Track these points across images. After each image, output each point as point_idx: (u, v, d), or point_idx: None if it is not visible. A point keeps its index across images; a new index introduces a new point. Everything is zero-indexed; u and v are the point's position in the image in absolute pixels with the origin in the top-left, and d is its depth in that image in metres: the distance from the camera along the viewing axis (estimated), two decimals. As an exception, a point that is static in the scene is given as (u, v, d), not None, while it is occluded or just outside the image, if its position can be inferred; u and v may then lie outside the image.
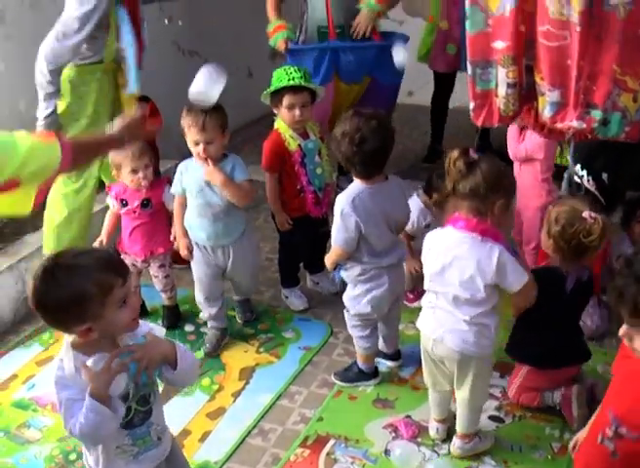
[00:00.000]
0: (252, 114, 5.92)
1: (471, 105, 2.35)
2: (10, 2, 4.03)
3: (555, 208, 2.55)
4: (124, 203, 3.16)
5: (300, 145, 3.26)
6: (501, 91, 2.22)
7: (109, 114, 3.39)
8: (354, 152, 2.54)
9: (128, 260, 3.16)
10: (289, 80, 3.21)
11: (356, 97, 4.14)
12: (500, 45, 2.13)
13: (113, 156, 3.12)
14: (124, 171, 3.12)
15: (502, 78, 2.18)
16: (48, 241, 3.53)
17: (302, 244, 3.49)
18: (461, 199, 2.22)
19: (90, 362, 1.72)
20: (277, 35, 3.99)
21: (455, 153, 2.21)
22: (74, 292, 1.67)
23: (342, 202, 2.64)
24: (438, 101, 5.18)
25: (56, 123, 3.27)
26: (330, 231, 3.46)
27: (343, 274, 2.85)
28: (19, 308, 3.55)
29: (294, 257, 3.59)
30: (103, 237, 3.30)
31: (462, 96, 5.03)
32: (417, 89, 6.17)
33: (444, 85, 5.08)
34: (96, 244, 3.32)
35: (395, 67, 3.98)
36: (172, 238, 3.17)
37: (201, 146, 2.88)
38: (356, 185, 2.66)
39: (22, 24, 4.10)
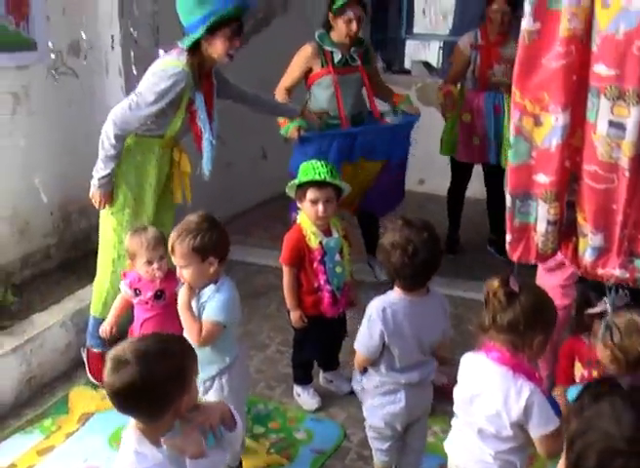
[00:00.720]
0: (264, 195, 5.95)
1: (508, 238, 2.27)
2: (33, 79, 4.06)
3: (612, 318, 2.45)
4: (137, 292, 3.11)
5: (321, 242, 3.22)
6: (541, 227, 2.16)
7: (160, 187, 3.54)
8: (405, 264, 2.47)
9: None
10: (315, 175, 3.21)
11: (368, 177, 4.27)
12: (542, 179, 2.08)
13: (129, 245, 3.10)
14: (139, 261, 3.09)
15: (543, 214, 2.12)
16: (96, 304, 3.57)
17: (317, 342, 3.42)
18: (498, 332, 2.16)
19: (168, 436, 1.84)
20: (288, 124, 4.09)
21: (495, 283, 2.16)
22: (177, 363, 1.84)
23: (373, 307, 2.59)
24: (456, 191, 5.20)
25: (109, 185, 3.39)
26: (345, 330, 3.46)
27: (363, 381, 2.78)
28: (22, 390, 3.47)
29: (308, 355, 3.51)
30: (112, 323, 3.25)
31: (477, 185, 5.16)
32: (427, 177, 6.24)
33: (463, 175, 5.10)
34: (104, 329, 3.26)
35: (404, 145, 4.26)
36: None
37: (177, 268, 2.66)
38: (394, 294, 2.60)
39: (45, 100, 4.13)
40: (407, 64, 6.73)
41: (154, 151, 3.45)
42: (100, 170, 3.35)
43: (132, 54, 4.44)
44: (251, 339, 4.03)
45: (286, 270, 3.29)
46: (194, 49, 3.27)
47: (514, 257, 2.31)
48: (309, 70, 4.23)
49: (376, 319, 2.55)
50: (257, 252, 5.15)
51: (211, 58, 3.32)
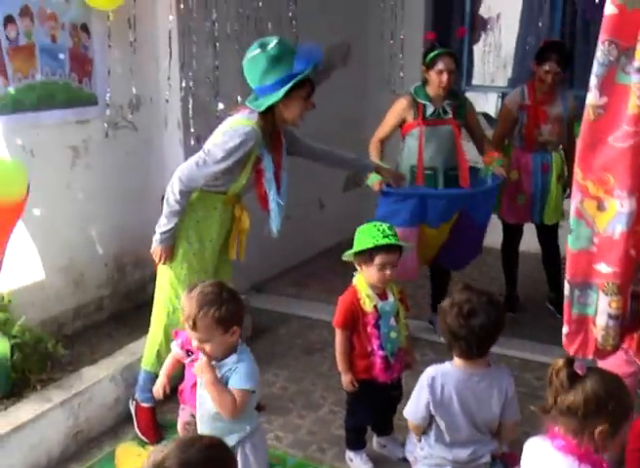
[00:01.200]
0: (320, 246, 5.89)
1: (565, 330, 2.09)
2: (93, 133, 4.12)
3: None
4: (189, 353, 3.02)
5: (375, 306, 3.10)
6: (601, 321, 1.99)
7: (220, 243, 3.53)
8: (460, 325, 2.37)
9: (186, 411, 3.01)
10: (384, 237, 3.05)
11: (443, 235, 4.21)
12: (604, 269, 1.93)
13: (183, 303, 3.04)
14: None
15: (604, 307, 1.95)
16: (149, 358, 3.54)
17: (370, 406, 3.30)
18: (560, 414, 2.01)
19: None
20: (374, 176, 4.04)
21: (559, 363, 2.01)
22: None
23: (426, 374, 2.49)
24: (508, 250, 5.04)
25: (171, 240, 3.38)
26: (401, 393, 3.32)
27: (416, 449, 2.64)
28: (68, 445, 3.43)
29: (360, 420, 3.38)
30: (164, 383, 3.16)
31: (531, 238, 5.02)
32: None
33: (513, 234, 4.96)
34: (156, 390, 3.19)
35: (488, 205, 4.21)
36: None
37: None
38: (450, 364, 2.48)
39: (104, 154, 4.19)
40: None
41: (217, 207, 3.43)
42: (163, 225, 3.34)
43: (191, 107, 4.48)
44: (304, 398, 3.93)
45: (338, 333, 3.18)
46: (267, 111, 3.23)
47: (571, 351, 2.16)
48: (404, 121, 4.32)
49: (424, 386, 2.46)
50: (311, 305, 5.07)
51: (283, 120, 3.30)
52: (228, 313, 2.45)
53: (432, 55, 4.16)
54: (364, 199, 6.36)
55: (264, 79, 3.18)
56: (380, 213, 4.03)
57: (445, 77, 4.13)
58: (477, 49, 6.78)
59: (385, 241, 3.02)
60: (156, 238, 3.38)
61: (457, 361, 2.46)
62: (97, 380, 3.57)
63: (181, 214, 3.33)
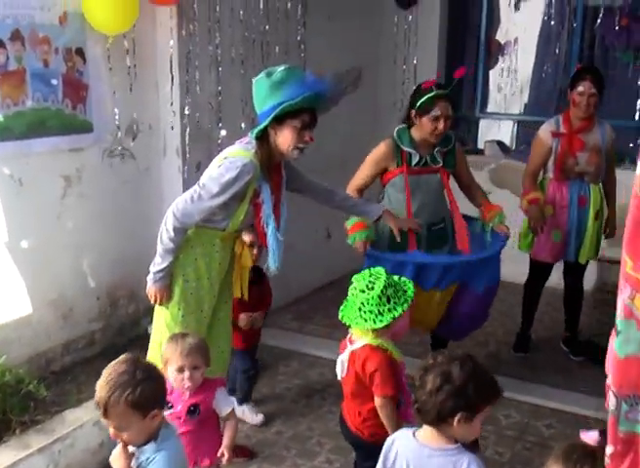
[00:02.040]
0: (325, 278, 5.69)
1: (609, 450, 1.77)
2: (88, 161, 3.96)
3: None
4: (169, 406, 2.81)
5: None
6: None
7: (220, 281, 3.30)
8: (418, 385, 2.13)
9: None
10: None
11: (441, 303, 3.73)
12: None
13: (164, 350, 2.83)
14: (170, 367, 2.75)
15: None
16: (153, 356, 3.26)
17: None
18: None
19: None
20: (355, 234, 3.68)
21: None
22: None
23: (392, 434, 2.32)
24: (533, 288, 4.73)
25: (166, 279, 3.16)
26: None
27: None
28: (47, 495, 3.23)
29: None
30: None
31: (554, 274, 4.79)
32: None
33: (542, 273, 4.64)
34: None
35: (492, 271, 3.68)
36: (219, 452, 2.80)
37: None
38: (417, 429, 2.22)
39: (98, 182, 4.02)
40: (480, 144, 6.45)
41: (215, 243, 3.21)
42: (158, 264, 3.13)
43: (191, 133, 4.32)
44: (299, 444, 3.71)
45: (388, 402, 2.67)
46: (263, 139, 3.08)
47: None
48: (384, 170, 3.84)
49: (384, 447, 2.27)
50: (314, 341, 4.87)
51: (279, 150, 3.10)
52: (145, 395, 2.09)
53: (426, 98, 3.61)
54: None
55: (264, 104, 3.02)
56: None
57: (441, 125, 3.62)
58: (493, 74, 6.59)
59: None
60: (150, 277, 3.17)
61: (423, 428, 2.20)
62: (80, 424, 3.37)
63: (176, 251, 3.13)
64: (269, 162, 3.10)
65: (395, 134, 3.79)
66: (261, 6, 4.69)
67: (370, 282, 2.61)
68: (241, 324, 3.64)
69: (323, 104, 3.11)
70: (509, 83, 6.78)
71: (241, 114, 4.67)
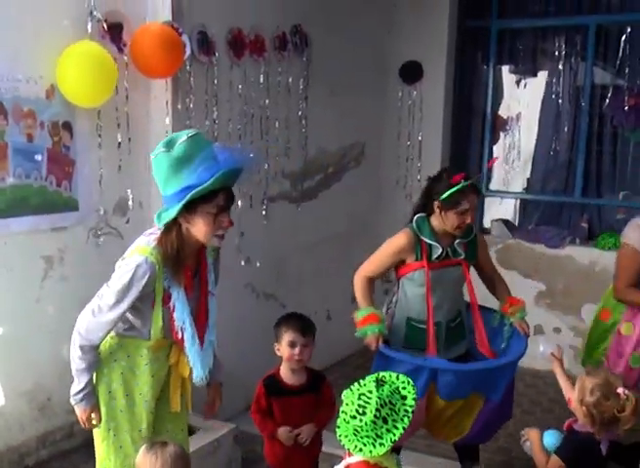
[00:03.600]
0: (328, 360, 5.37)
1: None
2: (71, 241, 3.72)
3: (589, 378, 2.62)
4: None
5: None
6: None
7: (156, 395, 2.82)
8: None
9: None
10: None
11: (459, 413, 3.35)
12: None
13: (138, 463, 2.50)
14: None
15: None
16: None
17: None
18: None
19: None
20: (367, 328, 3.32)
21: None
22: None
23: None
24: None
25: (90, 399, 2.69)
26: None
27: None
28: None
29: None
30: None
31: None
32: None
33: None
34: None
35: (508, 380, 3.32)
36: None
37: None
38: None
39: (82, 263, 3.76)
40: (485, 223, 6.23)
41: (142, 354, 2.74)
42: (75, 384, 2.70)
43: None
44: None
45: None
46: (172, 227, 2.54)
47: None
48: (402, 261, 3.46)
49: None
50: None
51: (194, 239, 2.59)
52: None
53: (454, 190, 3.25)
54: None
55: (167, 186, 2.50)
56: (376, 368, 3.28)
57: (469, 219, 3.29)
58: (496, 150, 6.41)
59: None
60: (71, 400, 2.72)
61: None
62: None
63: (93, 368, 2.69)
64: (180, 254, 2.57)
65: (415, 224, 3.42)
66: (262, 80, 4.52)
67: (360, 406, 2.25)
68: (281, 437, 3.15)
69: (238, 180, 2.58)
70: (512, 159, 6.62)
71: (238, 191, 4.43)
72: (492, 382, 3.27)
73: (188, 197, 2.43)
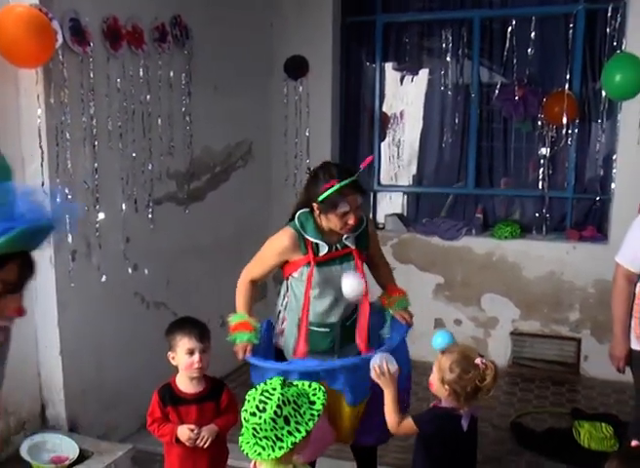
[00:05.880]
0: (224, 369, 5.09)
1: None
2: None
3: (445, 356, 2.62)
4: None
5: None
6: None
7: None
8: None
9: None
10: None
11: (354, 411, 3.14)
12: None
13: None
14: None
15: None
16: None
17: None
18: None
19: None
20: (237, 335, 3.11)
21: None
22: None
23: None
24: None
25: None
26: None
27: None
28: None
29: None
30: None
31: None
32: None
33: None
34: None
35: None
36: None
37: None
38: None
39: None
40: (380, 218, 6.13)
41: None
42: None
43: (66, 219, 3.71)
44: None
45: None
46: None
47: None
48: (286, 261, 3.19)
49: None
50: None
51: None
52: None
53: (331, 191, 2.97)
54: (272, 313, 5.67)
55: None
56: (254, 379, 3.09)
57: (352, 219, 3.02)
58: (383, 147, 6.34)
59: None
60: None
61: None
62: None
63: None
64: None
65: (297, 221, 3.14)
66: (141, 73, 4.21)
67: (260, 401, 2.08)
68: (182, 437, 2.92)
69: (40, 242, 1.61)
70: (397, 154, 6.59)
71: (121, 194, 4.13)
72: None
73: None
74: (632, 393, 3.54)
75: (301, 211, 3.16)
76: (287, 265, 3.19)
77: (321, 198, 3.00)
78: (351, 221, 3.03)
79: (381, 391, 2.79)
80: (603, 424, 4.17)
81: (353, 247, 3.18)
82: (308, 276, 3.10)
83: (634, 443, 2.09)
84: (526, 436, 4.29)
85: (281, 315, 3.30)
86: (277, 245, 3.16)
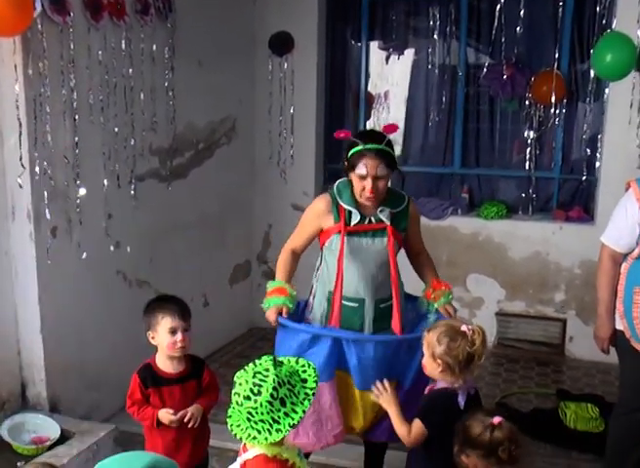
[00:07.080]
0: (207, 349, 5.03)
1: None
2: None
3: (431, 332, 2.61)
4: None
5: None
6: None
7: None
8: None
9: None
10: None
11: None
12: None
13: None
14: None
15: None
16: None
17: None
18: None
19: None
20: (271, 299, 3.06)
21: None
22: None
23: None
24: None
25: None
26: None
27: None
28: None
29: None
30: None
31: None
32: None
33: None
34: None
35: (413, 362, 2.98)
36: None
37: None
38: None
39: None
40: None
41: None
42: None
43: (45, 194, 3.62)
44: None
45: None
46: None
47: None
48: (321, 229, 3.14)
49: None
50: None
51: None
52: None
53: (354, 151, 2.98)
54: (256, 293, 5.62)
55: None
56: (278, 341, 3.12)
57: (369, 185, 2.95)
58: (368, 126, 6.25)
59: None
60: None
61: None
62: None
63: None
64: None
65: (335, 188, 3.11)
66: (123, 46, 4.10)
67: (255, 384, 2.01)
68: (163, 420, 2.84)
69: None
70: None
71: (102, 170, 4.03)
72: (401, 366, 3.02)
73: None
74: (617, 374, 3.52)
75: (341, 179, 3.17)
76: (321, 234, 3.16)
77: (349, 155, 3.02)
78: (368, 188, 2.95)
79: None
80: (589, 405, 4.16)
81: (388, 222, 3.08)
82: (341, 244, 3.05)
83: (496, 419, 2.34)
84: (511, 416, 4.24)
85: (313, 288, 3.25)
86: (312, 208, 3.19)
